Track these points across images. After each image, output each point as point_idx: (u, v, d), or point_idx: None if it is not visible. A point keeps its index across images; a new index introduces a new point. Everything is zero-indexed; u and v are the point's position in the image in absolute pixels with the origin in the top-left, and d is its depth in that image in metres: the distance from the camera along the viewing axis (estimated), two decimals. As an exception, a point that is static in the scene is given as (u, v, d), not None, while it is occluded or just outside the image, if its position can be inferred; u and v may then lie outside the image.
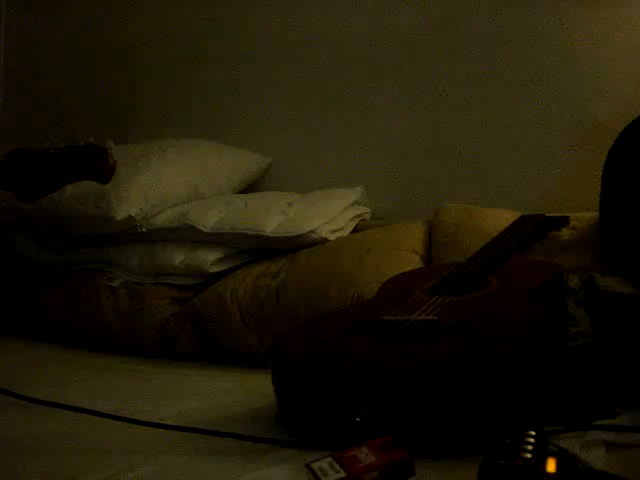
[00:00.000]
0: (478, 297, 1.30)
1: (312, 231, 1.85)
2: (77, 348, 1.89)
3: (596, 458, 0.92)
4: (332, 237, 1.89)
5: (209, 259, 1.88)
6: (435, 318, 1.18)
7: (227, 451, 1.07)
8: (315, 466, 0.94)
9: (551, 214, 1.80)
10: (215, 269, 1.88)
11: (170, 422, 1.16)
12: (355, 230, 2.01)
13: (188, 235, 1.92)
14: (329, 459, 0.94)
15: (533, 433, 0.85)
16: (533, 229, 1.70)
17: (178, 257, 1.91)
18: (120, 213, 1.90)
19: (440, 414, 1.01)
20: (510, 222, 1.74)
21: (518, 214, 1.80)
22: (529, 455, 0.81)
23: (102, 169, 1.19)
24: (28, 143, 1.25)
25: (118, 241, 2.00)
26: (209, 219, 1.91)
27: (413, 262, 1.77)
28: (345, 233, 1.96)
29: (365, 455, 0.93)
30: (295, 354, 1.20)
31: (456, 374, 1.01)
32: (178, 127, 2.45)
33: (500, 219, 1.79)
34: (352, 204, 2.05)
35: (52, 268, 2.08)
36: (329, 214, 1.93)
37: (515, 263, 1.51)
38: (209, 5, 2.46)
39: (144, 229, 1.94)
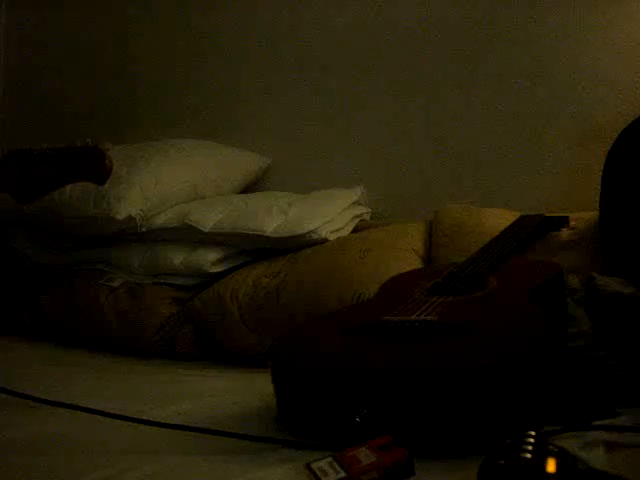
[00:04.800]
0: (478, 297, 1.30)
1: (312, 231, 1.85)
2: (77, 348, 1.89)
3: (596, 458, 0.92)
4: (332, 237, 1.89)
5: (209, 259, 1.88)
6: (435, 318, 1.18)
7: (227, 451, 1.07)
8: (315, 466, 0.94)
9: (551, 214, 1.80)
10: (215, 269, 1.88)
11: (170, 422, 1.16)
12: (355, 230, 2.01)
13: (188, 235, 1.92)
14: (329, 459, 0.94)
15: (533, 433, 0.85)
16: (533, 229, 1.70)
17: (178, 257, 1.91)
18: (120, 213, 1.90)
19: (440, 414, 1.01)
20: (510, 222, 1.74)
21: (518, 214, 1.80)
22: (529, 455, 0.81)
23: (99, 170, 1.19)
24: (28, 143, 1.25)
25: (118, 241, 2.00)
26: (209, 219, 1.91)
27: (413, 262, 1.77)
28: (345, 233, 1.96)
29: (365, 455, 0.93)
30: (295, 354, 1.19)
31: (456, 374, 1.01)
32: (178, 127, 2.45)
33: (500, 219, 1.79)
34: (352, 204, 2.05)
35: (52, 268, 2.08)
36: (329, 214, 1.93)
37: (515, 263, 1.51)
38: (209, 5, 2.46)
39: (144, 229, 1.94)
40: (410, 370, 1.04)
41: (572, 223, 1.76)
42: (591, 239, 1.66)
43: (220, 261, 1.90)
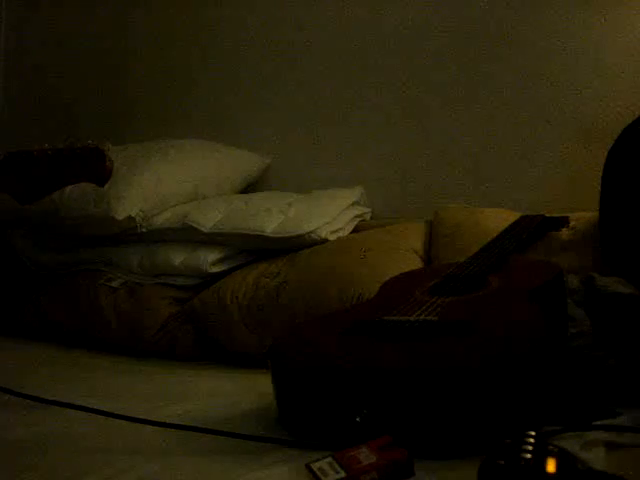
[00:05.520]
0: (478, 297, 1.30)
1: (312, 231, 1.85)
2: (77, 348, 1.89)
3: (596, 458, 0.92)
4: (332, 237, 1.89)
5: (209, 259, 1.88)
6: (435, 318, 1.18)
7: (227, 451, 1.07)
8: (315, 466, 0.94)
9: (551, 214, 1.80)
10: (215, 269, 1.88)
11: (170, 422, 1.16)
12: (355, 230, 2.01)
13: (188, 235, 1.92)
14: (329, 459, 0.94)
15: (533, 433, 0.85)
16: (533, 229, 1.70)
17: (178, 257, 1.91)
18: (120, 213, 1.90)
19: (440, 414, 1.01)
20: (510, 222, 1.74)
21: (518, 214, 1.80)
22: (529, 455, 0.81)
23: (99, 171, 1.19)
24: (28, 144, 1.25)
25: (118, 241, 2.00)
26: (209, 219, 1.91)
27: (413, 262, 1.77)
28: (345, 233, 1.96)
29: (365, 455, 0.93)
30: (295, 354, 1.19)
31: (456, 374, 1.01)
32: (178, 127, 2.45)
33: (500, 219, 1.79)
34: (352, 204, 2.05)
35: (52, 268, 2.08)
36: (329, 214, 1.93)
37: (515, 263, 1.51)
38: (209, 5, 2.46)
39: (144, 229, 1.94)
40: (410, 370, 1.04)
41: (572, 223, 1.76)
42: (591, 239, 1.66)
43: (220, 261, 1.90)
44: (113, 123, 2.55)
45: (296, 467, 0.97)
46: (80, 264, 2.04)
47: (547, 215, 1.78)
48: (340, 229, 1.95)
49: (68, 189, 1.93)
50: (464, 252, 1.59)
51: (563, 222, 1.77)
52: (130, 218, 1.91)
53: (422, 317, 1.18)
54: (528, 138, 2.05)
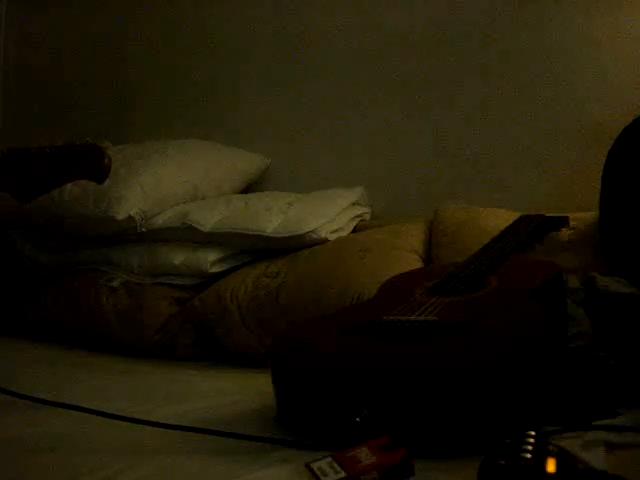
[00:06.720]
0: (478, 297, 1.30)
1: (312, 231, 1.85)
2: (77, 348, 1.89)
3: (596, 458, 0.92)
4: (332, 237, 1.89)
5: (209, 259, 1.88)
6: (435, 318, 1.18)
7: (227, 451, 1.07)
8: (315, 466, 0.94)
9: (551, 214, 1.80)
10: (215, 269, 1.88)
11: (170, 422, 1.16)
12: (355, 230, 2.01)
13: (188, 235, 1.92)
14: (329, 459, 0.94)
15: (533, 433, 0.85)
16: (533, 229, 1.70)
17: (178, 257, 1.91)
18: (120, 213, 1.90)
19: (440, 414, 1.01)
20: (510, 222, 1.74)
21: (518, 214, 1.80)
22: (529, 455, 0.81)
23: (97, 169, 1.19)
24: (27, 142, 1.25)
25: (118, 241, 2.00)
26: (209, 219, 1.91)
27: (413, 262, 1.77)
28: (345, 233, 1.96)
29: (365, 455, 0.93)
30: (295, 354, 1.20)
31: (456, 374, 1.01)
32: (178, 127, 2.45)
33: (500, 219, 1.79)
34: (352, 204, 2.05)
35: (52, 268, 2.08)
36: (329, 214, 1.93)
37: (515, 263, 1.51)
38: (209, 5, 2.46)
39: (144, 229, 1.94)
40: (410, 370, 1.04)
41: (572, 223, 1.76)
42: (591, 239, 1.66)
43: (220, 261, 1.90)
44: (113, 123, 2.55)
45: (296, 467, 0.97)
46: (80, 264, 2.04)
47: (547, 215, 1.78)
48: (340, 229, 1.95)
49: (68, 188, 1.93)
50: (464, 252, 1.59)
51: (563, 222, 1.77)
52: (130, 218, 1.91)
53: (422, 317, 1.19)
54: (528, 138, 2.05)
